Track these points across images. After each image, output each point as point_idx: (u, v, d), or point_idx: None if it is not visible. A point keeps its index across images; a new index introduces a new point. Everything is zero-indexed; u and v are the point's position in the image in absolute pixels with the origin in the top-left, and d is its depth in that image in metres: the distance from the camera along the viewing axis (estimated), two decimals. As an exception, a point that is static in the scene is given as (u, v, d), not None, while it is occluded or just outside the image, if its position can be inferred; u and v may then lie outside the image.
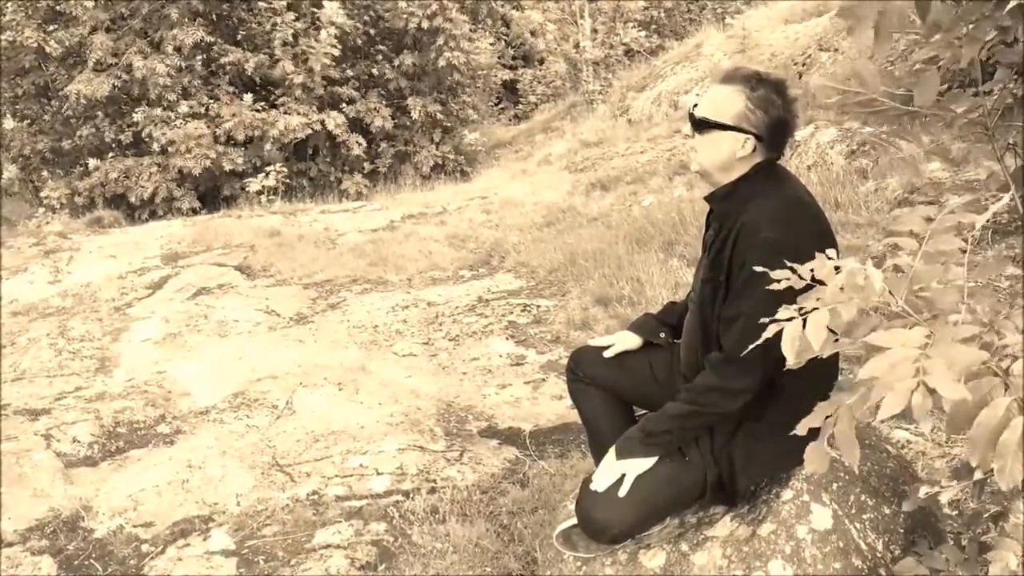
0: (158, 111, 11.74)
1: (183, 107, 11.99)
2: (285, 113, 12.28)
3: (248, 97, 12.32)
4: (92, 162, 11.99)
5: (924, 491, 1.58)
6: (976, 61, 1.24)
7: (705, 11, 19.36)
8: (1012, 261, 3.49)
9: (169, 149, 11.65)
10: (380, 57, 13.91)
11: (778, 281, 1.24)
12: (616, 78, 14.72)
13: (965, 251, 1.15)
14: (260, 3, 12.55)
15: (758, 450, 1.93)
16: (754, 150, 1.91)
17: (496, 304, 5.75)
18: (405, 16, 12.90)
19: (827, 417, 1.18)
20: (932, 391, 0.94)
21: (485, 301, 5.86)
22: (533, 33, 18.41)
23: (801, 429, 1.23)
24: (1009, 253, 3.92)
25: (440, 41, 13.12)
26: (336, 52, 12.28)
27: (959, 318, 1.12)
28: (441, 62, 13.22)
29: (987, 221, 1.21)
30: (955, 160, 5.02)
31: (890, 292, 1.13)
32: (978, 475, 1.53)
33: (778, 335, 1.80)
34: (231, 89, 12.77)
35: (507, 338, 5.07)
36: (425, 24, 12.88)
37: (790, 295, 1.77)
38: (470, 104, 14.87)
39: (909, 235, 1.20)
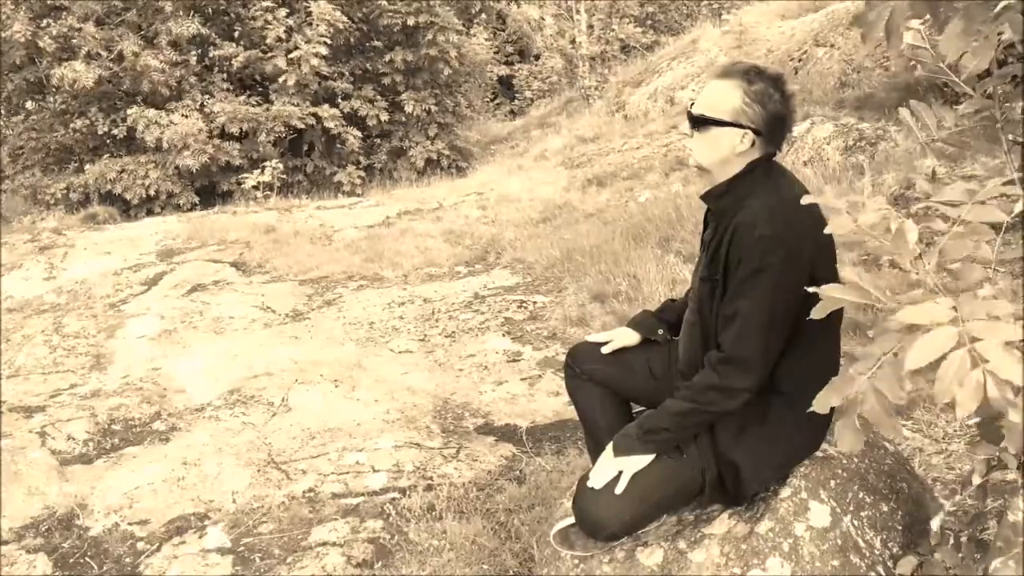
0: (151, 112, 11.66)
1: (177, 105, 11.93)
2: (279, 107, 12.23)
3: (242, 98, 12.30)
4: (88, 164, 11.91)
5: (941, 517, 1.57)
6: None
7: (701, 6, 19.36)
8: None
9: (165, 145, 11.58)
10: (373, 53, 13.89)
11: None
12: (612, 74, 14.73)
13: (1001, 228, 1.13)
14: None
15: (766, 455, 1.92)
16: (753, 144, 1.90)
17: (492, 300, 5.74)
18: (389, 14, 12.91)
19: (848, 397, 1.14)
20: (1005, 382, 0.90)
21: (481, 297, 5.85)
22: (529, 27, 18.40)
23: (819, 407, 1.18)
24: (1008, 251, 3.91)
25: (429, 36, 13.11)
26: (325, 52, 12.24)
27: (985, 292, 1.10)
28: (432, 52, 13.21)
29: (992, 221, 1.20)
30: (952, 156, 5.03)
31: (919, 256, 1.11)
32: (976, 480, 1.52)
33: (778, 333, 1.80)
34: (225, 86, 12.72)
35: (504, 334, 5.06)
36: (411, 21, 12.87)
37: (789, 292, 1.77)
38: (465, 100, 14.84)
39: (946, 204, 1.18)
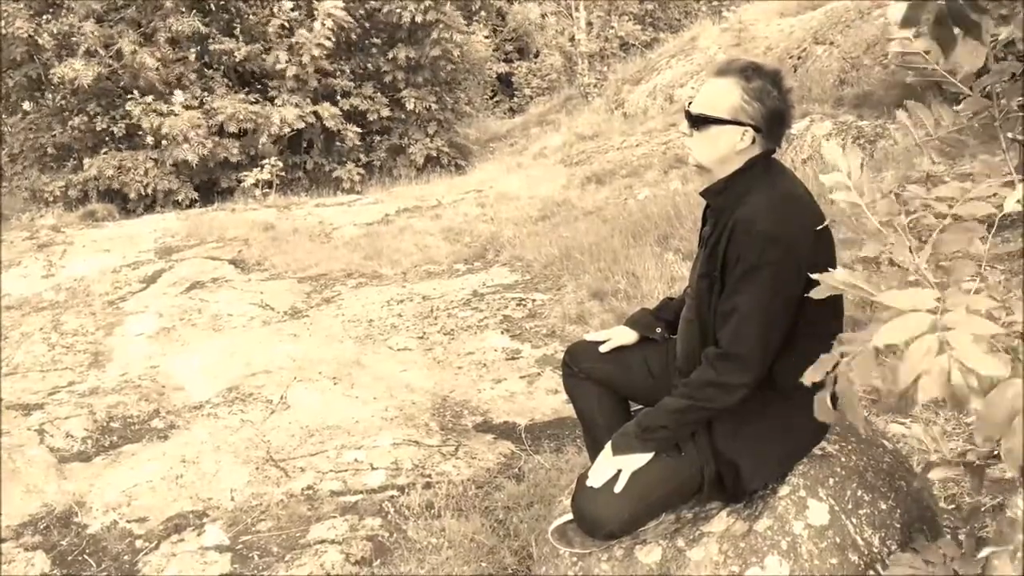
0: (150, 99, 11.63)
1: (177, 96, 11.90)
2: (279, 106, 12.22)
3: (241, 96, 12.28)
4: (87, 159, 11.88)
5: (935, 473, 1.57)
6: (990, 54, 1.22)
7: (700, 4, 19.36)
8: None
9: (164, 142, 11.57)
10: (375, 50, 13.87)
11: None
12: (611, 71, 14.73)
13: (993, 224, 1.13)
14: None
15: (764, 452, 1.92)
16: (753, 141, 1.89)
17: (491, 298, 5.73)
18: (399, 10, 12.87)
19: (829, 372, 1.14)
20: (970, 370, 0.88)
21: (480, 295, 5.84)
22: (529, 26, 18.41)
23: (807, 379, 1.19)
24: (1006, 247, 3.91)
25: (434, 35, 13.09)
26: (329, 44, 12.23)
27: (972, 286, 1.10)
28: (435, 52, 13.19)
29: (984, 215, 1.20)
30: (951, 154, 5.02)
31: (910, 250, 1.11)
32: (970, 457, 1.52)
33: (776, 329, 1.80)
34: (225, 81, 12.70)
35: (502, 332, 5.06)
36: (419, 18, 12.85)
37: (788, 288, 1.77)
38: (465, 97, 14.83)
39: (939, 201, 1.18)
